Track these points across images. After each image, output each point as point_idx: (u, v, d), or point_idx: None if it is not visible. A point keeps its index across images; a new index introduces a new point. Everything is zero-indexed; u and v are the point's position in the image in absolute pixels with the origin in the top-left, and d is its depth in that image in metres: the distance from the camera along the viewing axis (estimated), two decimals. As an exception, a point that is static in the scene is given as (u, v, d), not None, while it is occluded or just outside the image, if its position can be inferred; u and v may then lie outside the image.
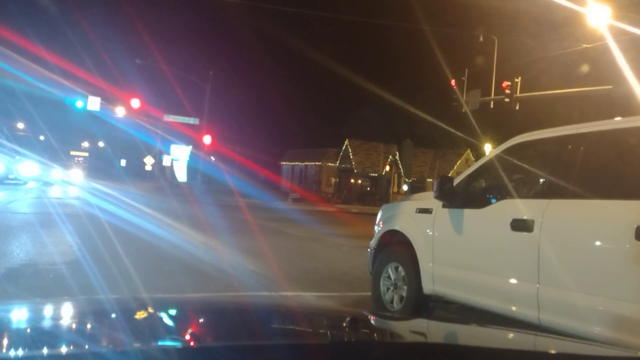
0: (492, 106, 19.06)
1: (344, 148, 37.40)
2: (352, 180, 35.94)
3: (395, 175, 33.94)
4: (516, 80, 17.88)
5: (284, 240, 11.20)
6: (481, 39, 19.05)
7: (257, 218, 18.01)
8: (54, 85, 28.94)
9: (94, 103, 29.03)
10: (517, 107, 18.03)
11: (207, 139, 31.37)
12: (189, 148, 60.55)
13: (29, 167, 33.07)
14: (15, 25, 29.78)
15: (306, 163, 40.25)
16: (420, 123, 33.24)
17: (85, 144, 77.00)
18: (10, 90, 32.68)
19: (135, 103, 29.25)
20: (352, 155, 36.36)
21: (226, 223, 15.83)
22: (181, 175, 60.08)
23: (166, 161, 57.19)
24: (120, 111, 31.30)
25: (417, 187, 36.99)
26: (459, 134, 30.16)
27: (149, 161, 45.91)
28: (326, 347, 1.36)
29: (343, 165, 37.27)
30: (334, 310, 2.78)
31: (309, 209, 25.80)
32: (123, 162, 64.57)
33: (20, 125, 56.35)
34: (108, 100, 29.87)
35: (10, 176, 31.11)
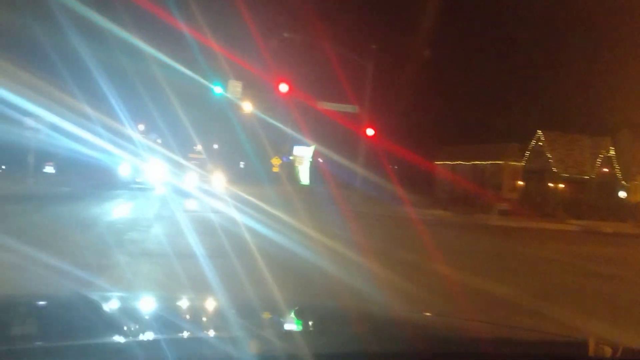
0: None
1: (533, 143, 28.84)
2: (551, 184, 27.30)
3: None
4: None
5: None
6: None
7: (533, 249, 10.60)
8: (189, 70, 23.64)
9: (234, 88, 23.25)
10: None
11: (369, 131, 24.45)
12: (312, 148, 54.49)
13: (156, 170, 28.17)
14: None
15: (475, 162, 32.08)
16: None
17: (211, 144, 73.21)
18: (132, 86, 27.92)
19: (284, 87, 23.00)
20: (547, 151, 27.74)
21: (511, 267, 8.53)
22: (304, 178, 54.35)
23: (299, 161, 51.54)
24: (263, 98, 25.47)
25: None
26: None
27: (276, 162, 39.49)
28: None
29: (532, 165, 28.73)
30: None
31: (538, 227, 17.80)
32: (245, 162, 60.22)
33: (141, 127, 53.30)
34: (251, 84, 24.01)
35: (137, 179, 26.44)
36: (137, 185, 25.20)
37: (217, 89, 22.96)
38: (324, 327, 1.95)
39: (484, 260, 9.83)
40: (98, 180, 26.14)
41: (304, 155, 52.33)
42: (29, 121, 25.66)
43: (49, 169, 33.63)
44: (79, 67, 24.28)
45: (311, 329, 1.95)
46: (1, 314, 1.83)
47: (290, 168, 46.97)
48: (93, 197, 17.68)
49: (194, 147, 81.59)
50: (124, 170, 27.28)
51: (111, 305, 2.04)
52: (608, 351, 1.75)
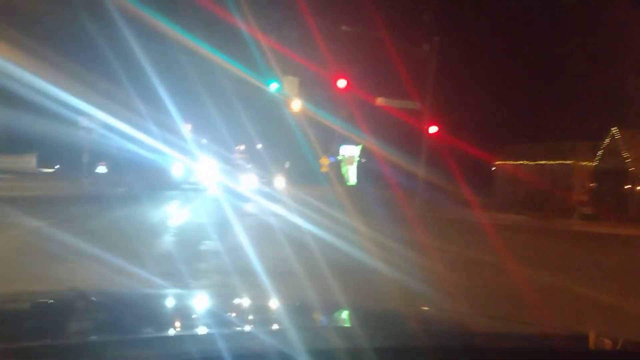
0: None
1: (607, 141, 26.75)
2: (629, 186, 25.19)
3: None
4: None
5: None
6: None
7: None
8: (239, 67, 22.88)
9: (290, 85, 22.33)
10: None
11: (432, 129, 23.12)
12: (359, 147, 53.14)
13: (208, 170, 27.57)
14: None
15: (541, 162, 30.13)
16: None
17: (254, 144, 72.18)
18: (180, 85, 27.24)
19: (342, 83, 21.89)
20: (624, 150, 25.65)
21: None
22: (352, 177, 53.11)
23: (349, 161, 50.41)
24: (318, 95, 24.50)
25: None
26: None
27: (324, 162, 38.45)
28: None
29: (606, 165, 26.65)
30: None
31: (635, 234, 15.99)
32: (290, 162, 59.39)
33: (188, 127, 52.96)
34: (305, 81, 23.05)
35: (190, 180, 25.90)
36: (189, 186, 24.64)
37: (273, 86, 22.09)
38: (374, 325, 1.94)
39: (603, 274, 8.42)
40: (151, 181, 25.71)
41: (352, 154, 51.14)
42: (82, 120, 25.42)
43: (101, 169, 33.60)
44: (128, 65, 23.88)
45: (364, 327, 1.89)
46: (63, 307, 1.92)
47: (337, 168, 45.97)
48: (150, 199, 17.06)
49: (237, 147, 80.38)
50: (176, 171, 26.83)
51: (171, 302, 2.19)
52: (608, 344, 1.75)
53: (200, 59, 24.28)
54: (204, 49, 23.17)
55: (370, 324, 1.87)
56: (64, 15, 27.78)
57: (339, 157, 50.05)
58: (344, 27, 22.64)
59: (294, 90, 22.43)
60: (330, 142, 39.52)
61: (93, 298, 1.83)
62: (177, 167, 26.97)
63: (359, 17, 23.87)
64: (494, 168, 32.85)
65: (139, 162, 27.91)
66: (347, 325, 1.98)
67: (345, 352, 1.28)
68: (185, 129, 34.97)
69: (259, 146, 69.14)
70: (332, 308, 2.30)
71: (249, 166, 26.59)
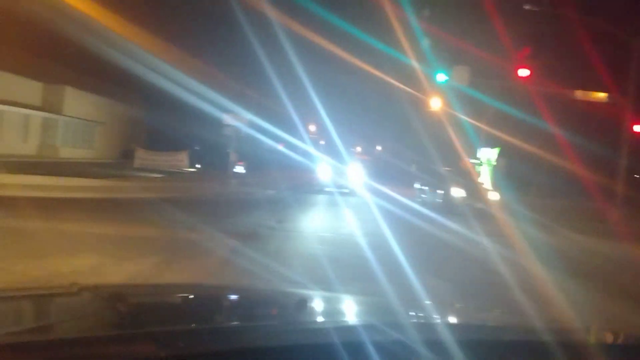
0: None
1: None
2: None
3: None
4: None
5: None
6: None
7: None
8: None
9: (461, 75, 19.35)
10: None
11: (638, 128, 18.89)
12: (496, 150, 48.27)
13: (355, 173, 25.41)
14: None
15: None
16: None
17: (373, 145, 69.27)
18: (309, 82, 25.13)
19: (524, 72, 18.53)
20: None
21: None
22: (491, 183, 48.43)
23: (500, 165, 46.28)
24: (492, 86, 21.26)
25: None
26: None
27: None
28: None
29: None
30: None
31: None
32: (416, 166, 55.95)
33: (312, 128, 51.32)
34: (481, 70, 19.90)
35: (337, 182, 23.81)
36: (337, 189, 22.44)
37: (440, 77, 19.39)
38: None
39: None
40: (296, 182, 24.09)
41: (490, 157, 46.62)
42: (228, 119, 24.43)
43: (239, 169, 32.77)
44: (274, 63, 22.33)
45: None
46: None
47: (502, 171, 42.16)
48: (311, 204, 15.08)
49: (353, 149, 76.88)
50: (321, 173, 25.08)
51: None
52: (609, 338, 1.76)
53: (347, 60, 22.16)
54: (360, 42, 21.10)
55: None
56: (212, 16, 27.31)
57: (480, 160, 45.84)
58: (526, 6, 19.15)
59: (465, 80, 19.44)
60: (476, 143, 35.76)
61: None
62: (322, 168, 25.23)
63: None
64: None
65: (283, 163, 26.57)
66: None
67: None
68: (331, 129, 33.01)
69: (379, 147, 65.48)
70: None
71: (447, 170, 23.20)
